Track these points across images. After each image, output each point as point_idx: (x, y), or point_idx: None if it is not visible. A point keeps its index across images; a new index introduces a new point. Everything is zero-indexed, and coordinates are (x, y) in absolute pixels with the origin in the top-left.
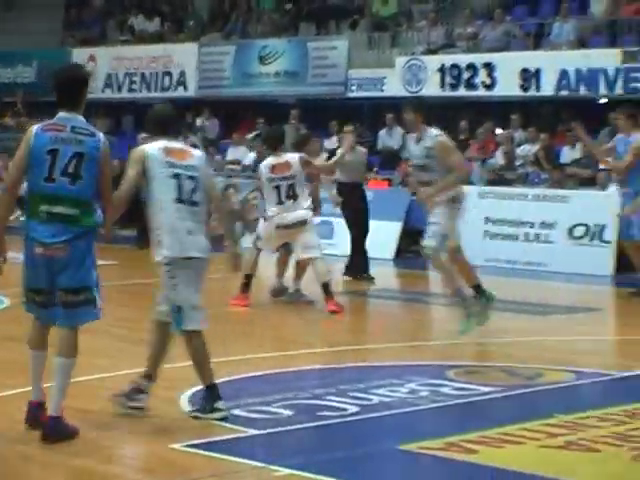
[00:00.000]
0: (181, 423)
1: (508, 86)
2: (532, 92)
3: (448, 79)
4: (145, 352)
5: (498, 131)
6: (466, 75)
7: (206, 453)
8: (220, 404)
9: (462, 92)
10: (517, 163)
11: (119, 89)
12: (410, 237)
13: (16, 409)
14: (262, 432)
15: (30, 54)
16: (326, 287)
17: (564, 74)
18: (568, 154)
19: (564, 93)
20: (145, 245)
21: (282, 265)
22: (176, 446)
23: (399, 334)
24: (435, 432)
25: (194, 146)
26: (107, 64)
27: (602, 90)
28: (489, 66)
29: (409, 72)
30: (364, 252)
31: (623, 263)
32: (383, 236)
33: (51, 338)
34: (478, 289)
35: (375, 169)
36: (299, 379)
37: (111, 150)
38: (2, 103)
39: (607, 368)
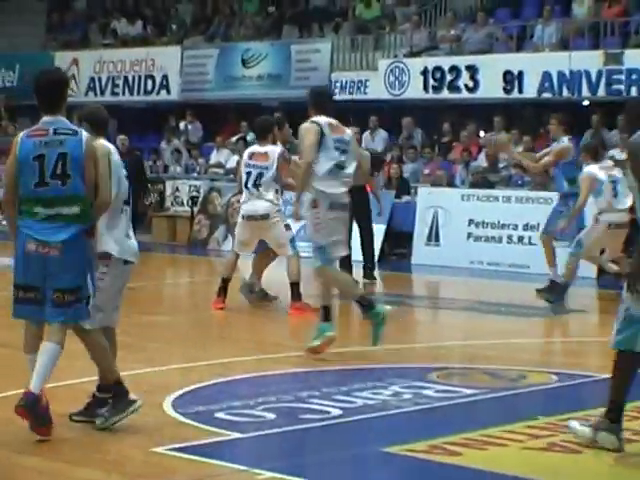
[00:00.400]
0: (163, 427)
1: (491, 88)
2: (515, 94)
3: (431, 81)
4: (126, 354)
5: (481, 133)
6: (449, 77)
7: (188, 456)
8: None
9: (445, 94)
10: (500, 165)
11: (102, 93)
12: (394, 240)
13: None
14: (245, 435)
15: (12, 58)
16: (294, 287)
17: (547, 76)
18: None
19: (547, 95)
20: None
21: (258, 267)
22: (158, 449)
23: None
24: (418, 434)
25: (177, 150)
26: (90, 68)
27: (585, 92)
28: (472, 68)
29: (392, 75)
30: (373, 255)
31: None
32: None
33: None
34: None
35: None
36: (282, 382)
37: None
38: None
39: (590, 370)
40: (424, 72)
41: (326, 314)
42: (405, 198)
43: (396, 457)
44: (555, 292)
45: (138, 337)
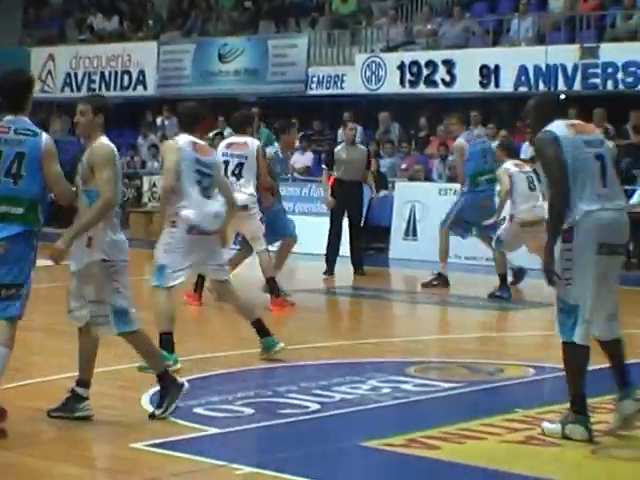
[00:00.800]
0: (142, 422)
1: (467, 83)
2: (491, 89)
3: (408, 76)
4: (104, 350)
5: None
6: (426, 72)
7: (167, 452)
8: None
9: (422, 89)
10: None
11: (78, 88)
12: (371, 234)
13: None
14: (223, 430)
15: None
16: (271, 282)
17: (523, 70)
18: (528, 150)
19: (523, 89)
20: None
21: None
22: (137, 445)
23: (360, 331)
24: (396, 429)
25: (154, 145)
26: (66, 63)
27: (561, 86)
28: (449, 63)
29: (369, 69)
30: (360, 249)
31: None
32: (343, 233)
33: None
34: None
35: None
36: (260, 377)
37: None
38: None
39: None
40: (401, 67)
41: (261, 327)
42: (382, 192)
43: (374, 451)
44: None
45: None
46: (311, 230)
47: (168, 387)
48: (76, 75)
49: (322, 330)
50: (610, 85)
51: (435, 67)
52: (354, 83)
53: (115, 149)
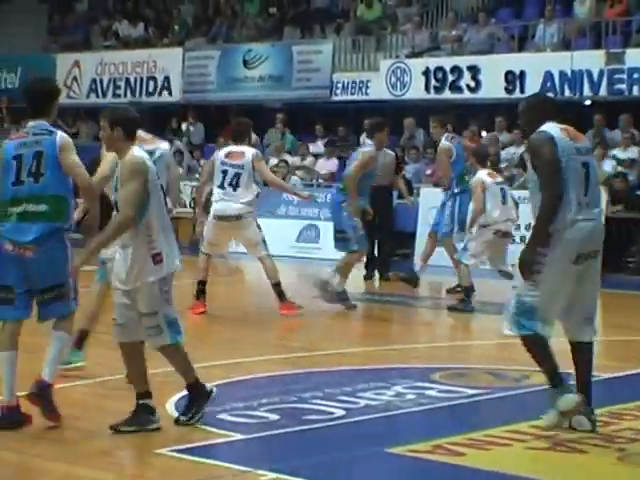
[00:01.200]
0: (167, 427)
1: (493, 88)
2: (517, 94)
3: (433, 82)
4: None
5: (483, 134)
6: (451, 78)
7: (192, 458)
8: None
9: (447, 95)
10: (502, 165)
11: (104, 94)
12: (397, 240)
13: None
14: (248, 436)
15: (14, 60)
16: (277, 288)
17: (548, 76)
18: None
19: (549, 95)
20: None
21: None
22: (162, 451)
23: (384, 337)
24: (422, 435)
25: (179, 151)
26: (91, 69)
27: (586, 92)
28: (474, 69)
29: (394, 75)
30: (387, 254)
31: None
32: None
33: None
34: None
35: None
36: (284, 383)
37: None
38: None
39: (593, 369)
40: (426, 72)
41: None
42: (413, 198)
43: (399, 457)
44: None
45: None
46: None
47: (197, 395)
48: (101, 81)
49: (346, 336)
50: (636, 91)
51: (460, 73)
52: (379, 89)
53: (145, 159)
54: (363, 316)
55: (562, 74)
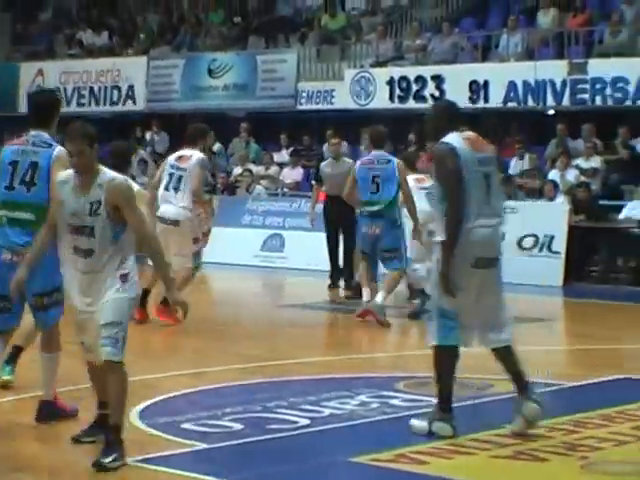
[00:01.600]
0: (132, 437)
1: (456, 98)
2: (481, 104)
3: (397, 91)
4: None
5: None
6: (415, 87)
7: (155, 467)
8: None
9: (411, 104)
10: None
11: (68, 103)
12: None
13: None
14: (212, 446)
15: None
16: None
17: (512, 86)
18: (516, 165)
19: (512, 105)
20: None
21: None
22: (127, 461)
23: (348, 346)
24: (385, 444)
25: (143, 161)
26: (55, 78)
27: (550, 101)
28: (438, 78)
29: (358, 85)
30: (352, 264)
31: (573, 273)
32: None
33: None
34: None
35: None
36: (249, 392)
37: None
38: None
39: (556, 378)
40: (390, 82)
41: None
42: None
43: (363, 467)
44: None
45: None
46: (301, 245)
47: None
48: (65, 90)
49: (311, 345)
50: (599, 100)
51: (424, 82)
52: (343, 98)
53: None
54: (328, 325)
55: (525, 84)
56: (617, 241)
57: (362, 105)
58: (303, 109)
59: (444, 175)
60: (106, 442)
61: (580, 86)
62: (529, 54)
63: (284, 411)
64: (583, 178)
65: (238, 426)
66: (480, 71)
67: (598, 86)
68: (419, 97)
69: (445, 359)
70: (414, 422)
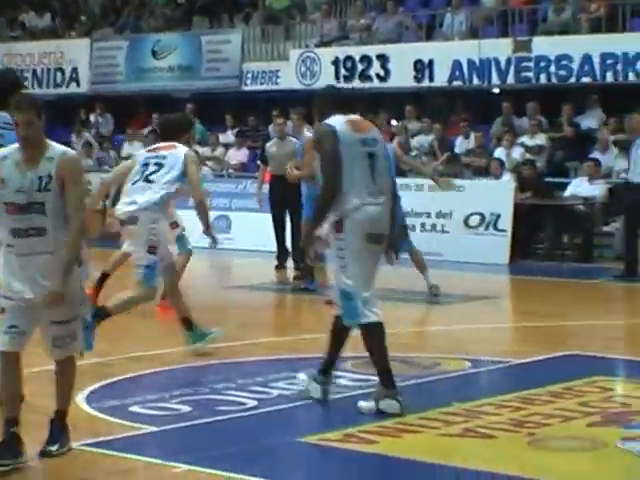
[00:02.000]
0: (78, 422)
1: (402, 77)
2: (426, 83)
3: (342, 71)
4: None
5: (393, 122)
6: (360, 67)
7: (104, 451)
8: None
9: (356, 84)
10: (412, 154)
11: None
12: None
13: None
14: (161, 429)
15: None
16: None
17: (457, 65)
18: (462, 144)
19: (457, 83)
20: None
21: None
22: (73, 445)
23: (295, 327)
24: (334, 424)
25: (88, 143)
26: None
27: (495, 80)
28: (383, 57)
29: (303, 65)
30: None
31: (519, 251)
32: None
33: None
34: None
35: None
36: (197, 374)
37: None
38: None
39: (503, 355)
40: (335, 62)
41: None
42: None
43: (312, 447)
44: None
45: None
46: (248, 226)
47: (65, 425)
48: None
49: (258, 326)
50: (543, 78)
51: (369, 62)
52: (289, 78)
53: None
54: (275, 306)
55: (470, 62)
56: (562, 218)
57: (307, 85)
58: (248, 90)
59: (323, 154)
60: (51, 430)
61: (524, 64)
62: (473, 33)
63: (232, 393)
64: (528, 156)
65: (186, 408)
66: (425, 50)
67: (542, 64)
68: (364, 76)
69: (374, 336)
70: (361, 404)
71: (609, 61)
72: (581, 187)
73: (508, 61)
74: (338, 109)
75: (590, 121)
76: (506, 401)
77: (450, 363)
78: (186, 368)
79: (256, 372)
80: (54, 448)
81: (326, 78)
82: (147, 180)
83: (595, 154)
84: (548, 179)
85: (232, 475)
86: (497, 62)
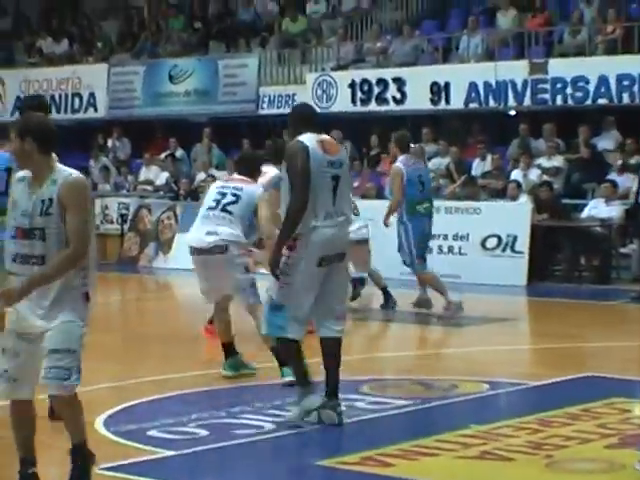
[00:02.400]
0: (96, 446)
1: (418, 100)
2: (442, 105)
3: (359, 94)
4: None
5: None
6: (376, 90)
7: (121, 475)
8: None
9: (373, 107)
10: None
11: None
12: None
13: None
14: (178, 453)
15: None
16: None
17: (473, 87)
18: (479, 166)
19: (474, 106)
20: None
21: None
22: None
23: (311, 350)
24: (351, 447)
25: (105, 167)
26: (16, 87)
27: (511, 102)
28: (399, 80)
29: (320, 88)
30: None
31: (536, 273)
32: None
33: None
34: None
35: None
36: (214, 398)
37: None
38: None
39: (521, 378)
40: (352, 85)
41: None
42: None
43: (329, 470)
44: None
45: None
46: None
47: (83, 460)
48: None
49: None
50: (559, 100)
51: (386, 85)
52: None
53: None
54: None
55: (486, 84)
56: (580, 240)
57: (324, 108)
58: (265, 114)
59: (293, 170)
60: (74, 466)
61: (541, 86)
62: (489, 55)
63: (249, 416)
64: (545, 177)
65: (204, 432)
66: (441, 73)
67: (558, 86)
68: (381, 99)
69: (286, 349)
70: (288, 415)
71: (625, 82)
72: (598, 208)
73: (524, 83)
74: (311, 127)
75: (607, 143)
76: (524, 423)
77: (468, 385)
78: (202, 392)
79: (273, 396)
80: None
81: (342, 101)
82: (225, 210)
83: (612, 175)
84: (565, 201)
85: None
86: (513, 84)
